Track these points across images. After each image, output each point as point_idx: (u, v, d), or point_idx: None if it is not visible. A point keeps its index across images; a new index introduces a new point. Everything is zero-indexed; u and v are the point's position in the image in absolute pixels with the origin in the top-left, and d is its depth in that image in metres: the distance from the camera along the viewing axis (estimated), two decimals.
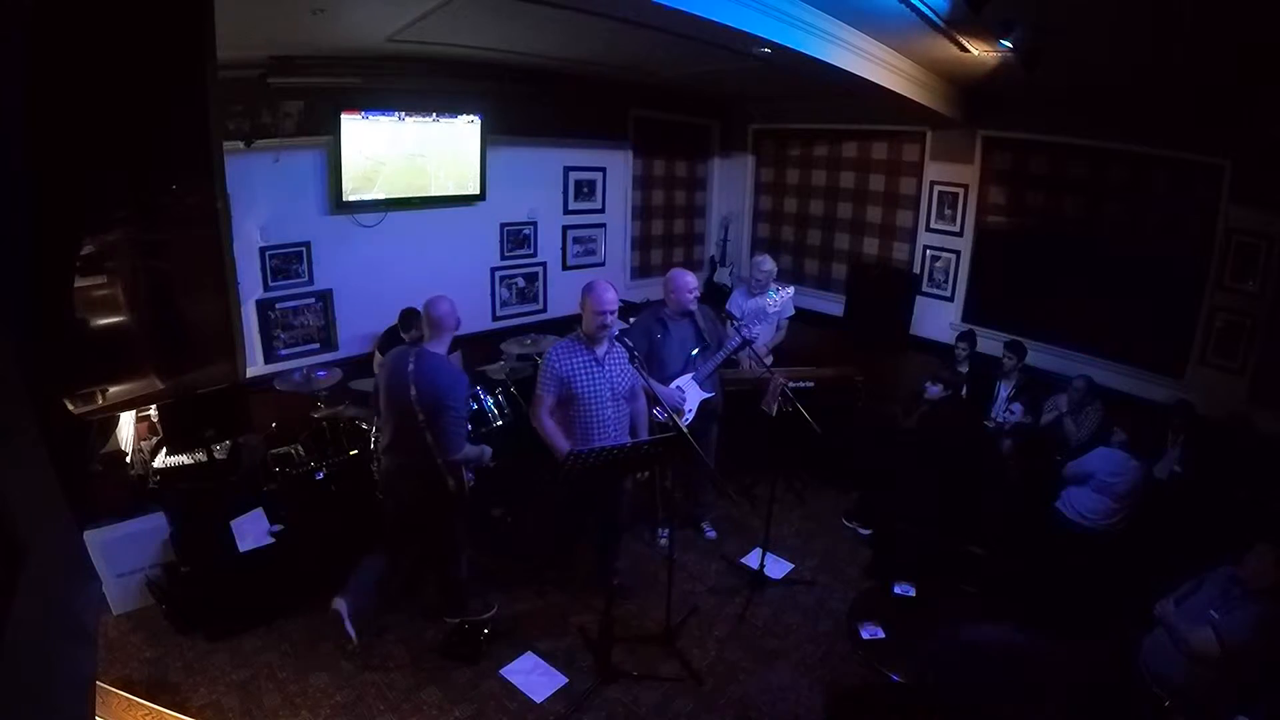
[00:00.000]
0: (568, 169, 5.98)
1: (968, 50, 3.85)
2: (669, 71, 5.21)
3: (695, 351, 4.01)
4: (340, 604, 3.17)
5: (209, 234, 1.20)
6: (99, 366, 1.13)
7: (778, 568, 4.16)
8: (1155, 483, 4.00)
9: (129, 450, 3.85)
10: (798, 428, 3.73)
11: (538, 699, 3.16)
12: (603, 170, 6.21)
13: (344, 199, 4.60)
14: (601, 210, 6.31)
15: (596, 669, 3.30)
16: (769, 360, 4.77)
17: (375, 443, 3.80)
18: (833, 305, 6.21)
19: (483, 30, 3.84)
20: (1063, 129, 4.96)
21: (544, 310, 6.05)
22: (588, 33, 3.72)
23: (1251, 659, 2.60)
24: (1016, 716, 3.13)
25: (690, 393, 3.98)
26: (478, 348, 5.29)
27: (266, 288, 4.55)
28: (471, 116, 4.99)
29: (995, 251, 5.56)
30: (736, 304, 4.99)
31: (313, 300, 4.74)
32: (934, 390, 4.42)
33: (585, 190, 6.16)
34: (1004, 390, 4.98)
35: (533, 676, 3.29)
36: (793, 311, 4.97)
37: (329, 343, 4.88)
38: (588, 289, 3.32)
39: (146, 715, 2.78)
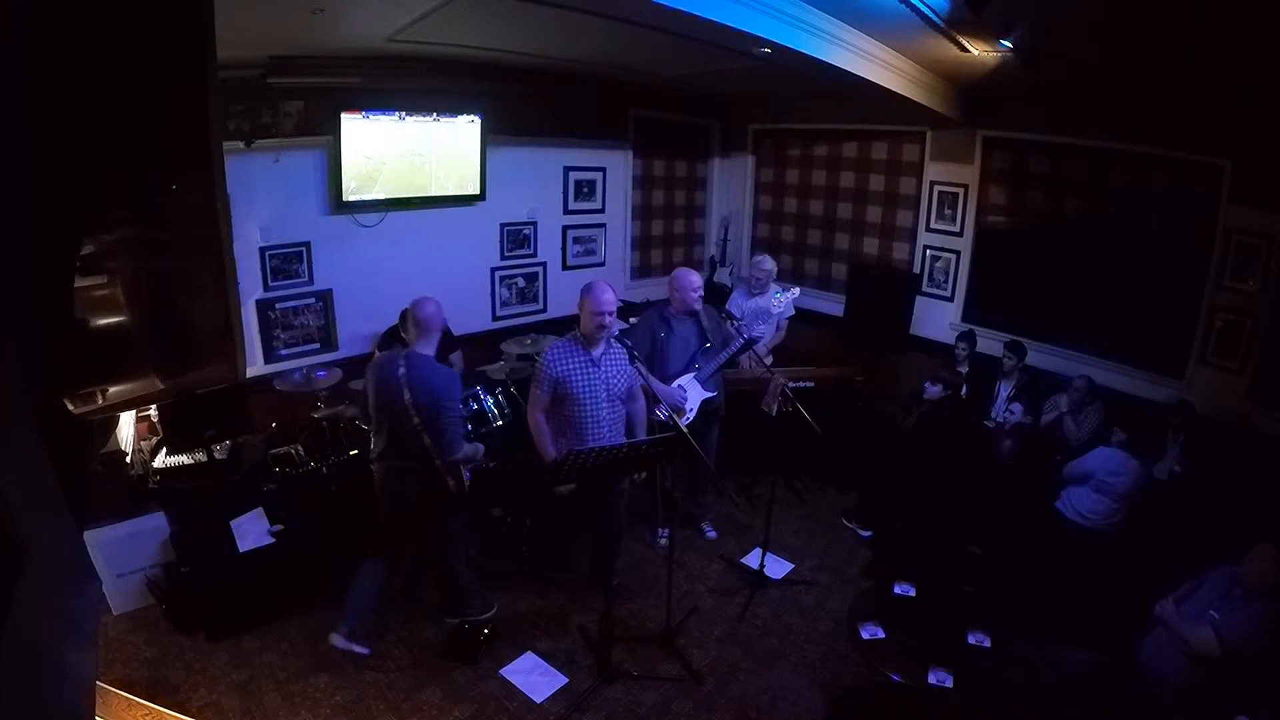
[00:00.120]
0: (568, 169, 5.98)
1: (968, 50, 3.85)
2: (669, 71, 5.21)
3: (698, 350, 4.02)
4: (337, 639, 3.18)
5: (209, 234, 1.20)
6: (99, 366, 1.13)
7: (778, 568, 4.16)
8: (1155, 482, 4.00)
9: (129, 450, 3.84)
10: (798, 428, 3.73)
11: (538, 699, 3.16)
12: (603, 170, 6.21)
13: (344, 199, 4.60)
14: (601, 210, 6.31)
15: (596, 669, 3.30)
16: (769, 360, 4.77)
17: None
18: (833, 305, 6.21)
19: (483, 30, 3.84)
20: (1063, 129, 4.96)
21: (544, 310, 6.05)
22: (588, 33, 3.72)
23: (1251, 659, 2.60)
24: (1017, 716, 3.14)
25: (692, 392, 3.98)
26: (478, 348, 5.29)
27: (266, 288, 4.55)
28: (472, 116, 4.99)
29: (995, 251, 5.56)
30: (736, 304, 4.99)
31: (313, 300, 4.74)
32: (934, 390, 4.42)
33: (585, 190, 6.16)
34: (1004, 390, 4.98)
35: (533, 676, 3.29)
36: (793, 311, 4.98)
37: (329, 343, 4.88)
38: (586, 290, 3.32)
39: (146, 715, 2.78)
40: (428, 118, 4.80)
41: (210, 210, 1.19)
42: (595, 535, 3.77)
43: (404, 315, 4.51)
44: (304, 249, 4.64)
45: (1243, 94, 3.83)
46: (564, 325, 5.38)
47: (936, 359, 5.29)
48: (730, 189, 7.24)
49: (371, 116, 4.56)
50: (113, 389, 1.15)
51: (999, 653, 2.83)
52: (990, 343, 5.23)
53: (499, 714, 3.09)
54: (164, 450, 3.74)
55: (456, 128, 4.97)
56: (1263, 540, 2.71)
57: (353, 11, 3.38)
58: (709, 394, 4.01)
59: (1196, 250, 4.50)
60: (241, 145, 4.13)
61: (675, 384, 3.96)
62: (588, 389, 3.30)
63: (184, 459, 3.72)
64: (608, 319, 3.26)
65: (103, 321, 1.12)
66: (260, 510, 3.66)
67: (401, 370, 3.02)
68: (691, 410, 3.97)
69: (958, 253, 5.71)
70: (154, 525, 3.60)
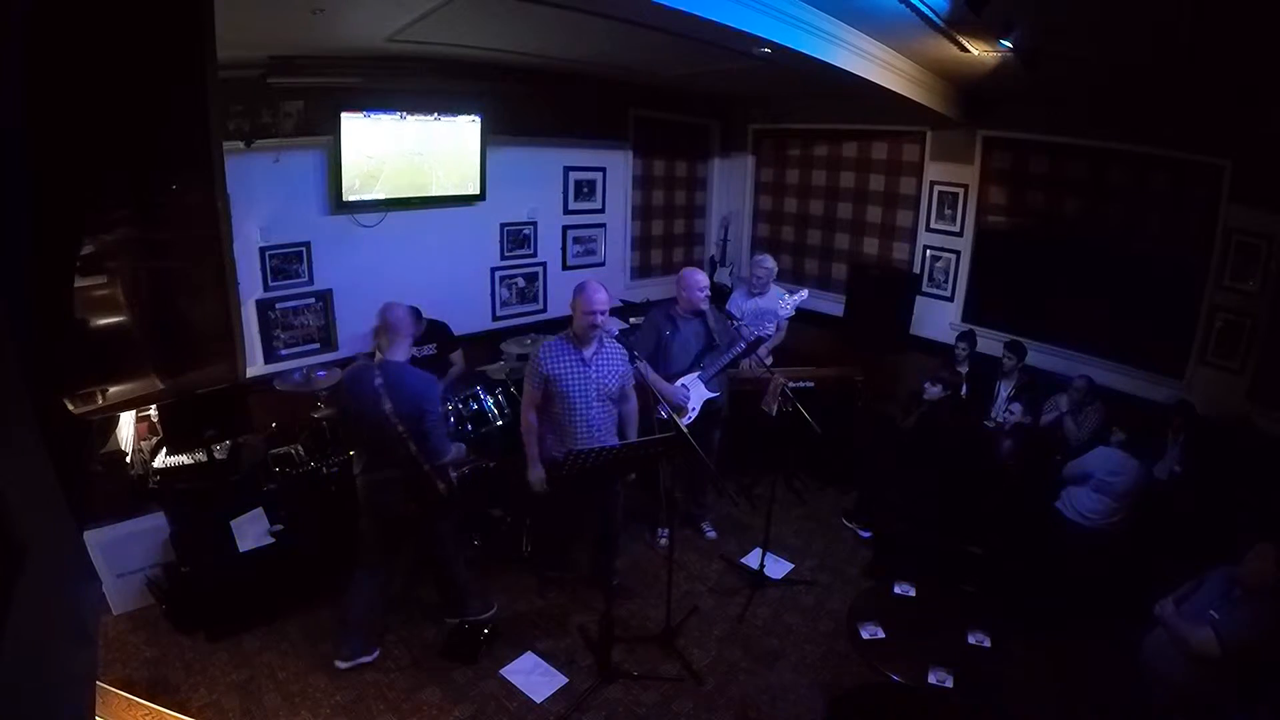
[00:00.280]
0: (568, 169, 5.98)
1: (968, 50, 3.85)
2: (669, 71, 5.21)
3: (703, 350, 4.02)
4: (341, 664, 3.20)
5: (209, 234, 1.20)
6: (99, 366, 1.13)
7: (778, 568, 4.16)
8: (1155, 482, 4.00)
9: (129, 450, 3.84)
10: (798, 428, 3.73)
11: (538, 699, 3.17)
12: (603, 170, 6.21)
13: (344, 199, 4.60)
14: (601, 210, 6.31)
15: (596, 669, 3.30)
16: (769, 360, 4.77)
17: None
18: (833, 305, 6.20)
19: (483, 30, 3.83)
20: (1063, 129, 4.96)
21: (544, 310, 6.04)
22: (588, 33, 3.72)
23: (1251, 659, 2.60)
24: (1017, 716, 3.14)
25: (695, 392, 3.98)
26: (478, 348, 5.29)
27: (266, 288, 4.55)
28: (472, 116, 4.99)
29: (995, 251, 5.55)
30: (736, 304, 4.99)
31: (313, 300, 4.74)
32: (934, 390, 4.42)
33: (585, 190, 6.15)
34: (1004, 390, 4.98)
35: (533, 676, 3.29)
36: (793, 312, 4.98)
37: (329, 343, 4.88)
38: (579, 289, 3.34)
39: (146, 715, 2.78)
40: (429, 117, 4.80)
41: (210, 210, 1.19)
42: (593, 535, 3.78)
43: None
44: (304, 249, 4.63)
45: (1243, 94, 3.83)
46: (564, 325, 5.34)
47: (936, 359, 5.30)
48: (730, 189, 7.23)
49: (373, 116, 4.56)
50: (113, 389, 1.15)
51: (999, 653, 2.83)
52: (990, 343, 5.23)
53: (499, 714, 3.09)
54: (164, 450, 3.74)
55: (457, 127, 4.96)
56: (1263, 540, 2.71)
57: (353, 11, 3.38)
58: (712, 394, 4.02)
59: (1196, 250, 4.50)
60: (241, 145, 4.12)
61: (678, 383, 3.97)
62: (577, 388, 3.31)
63: (184, 459, 3.72)
64: (599, 318, 3.27)
65: (103, 321, 1.11)
66: (260, 510, 3.65)
67: (378, 380, 2.97)
68: (694, 410, 3.97)
69: (958, 253, 5.71)
70: (154, 525, 3.60)
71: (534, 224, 5.83)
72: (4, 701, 0.78)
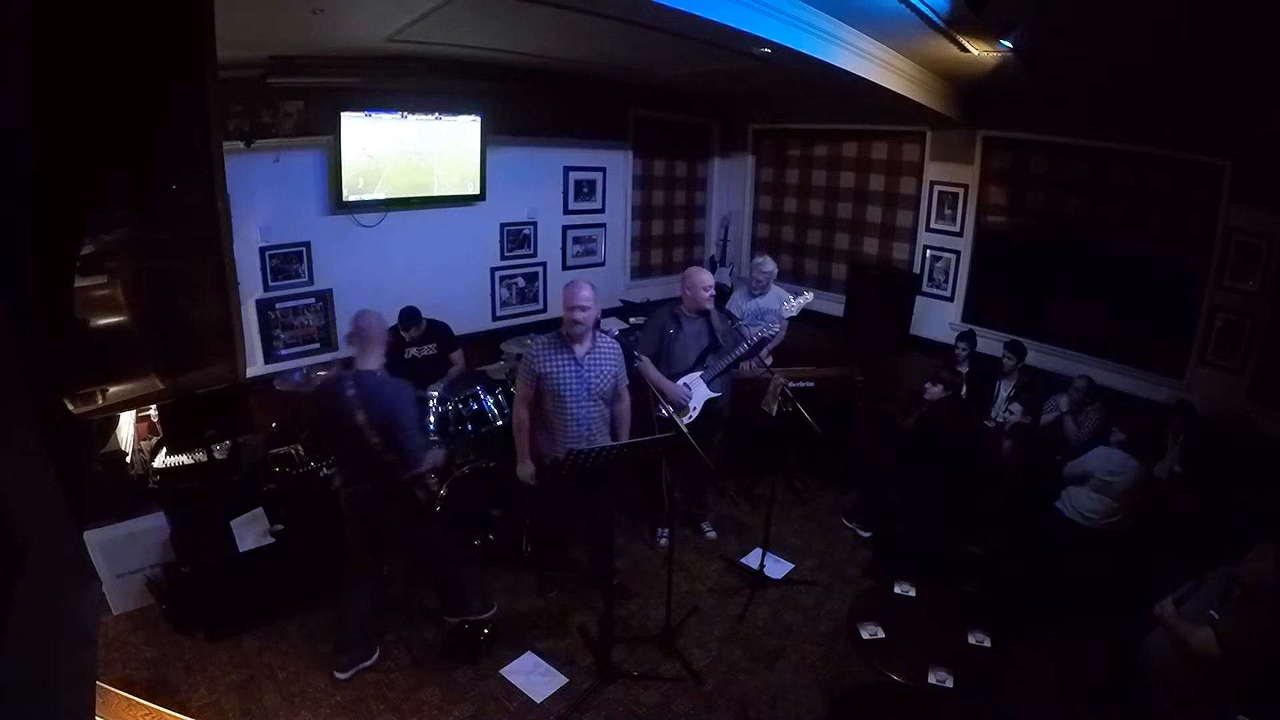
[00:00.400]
0: (568, 169, 5.98)
1: (968, 50, 3.85)
2: (669, 71, 5.21)
3: (707, 350, 4.02)
4: (340, 675, 3.19)
5: (209, 234, 1.20)
6: (99, 366, 1.13)
7: (778, 568, 4.16)
8: (1155, 482, 4.00)
9: (129, 450, 3.84)
10: (798, 428, 3.73)
11: (538, 699, 3.17)
12: (603, 170, 6.21)
13: (344, 199, 4.60)
14: (601, 210, 6.31)
15: (596, 669, 3.30)
16: (769, 360, 4.77)
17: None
18: (833, 305, 6.21)
19: (483, 30, 3.83)
20: (1063, 129, 4.96)
21: (544, 310, 6.05)
22: (588, 33, 3.72)
23: (1251, 659, 2.60)
24: (1017, 716, 3.14)
25: (697, 391, 3.98)
26: (478, 348, 5.29)
27: (266, 288, 4.55)
28: (472, 116, 4.99)
29: (995, 251, 5.55)
30: (736, 304, 4.99)
31: (313, 300, 4.74)
32: (935, 390, 4.42)
33: (585, 190, 6.15)
34: (1004, 390, 4.98)
35: (533, 676, 3.29)
36: (798, 313, 4.97)
37: (329, 343, 4.88)
38: (565, 287, 3.37)
39: (146, 715, 2.77)
40: (430, 116, 4.80)
41: (210, 210, 1.19)
42: (586, 534, 3.80)
43: (404, 315, 4.53)
44: (304, 249, 4.64)
45: (1243, 94, 3.83)
46: None
47: (936, 359, 5.30)
48: (730, 189, 7.23)
49: (374, 115, 4.56)
50: (113, 389, 1.15)
51: (999, 653, 2.82)
52: (990, 343, 5.23)
53: (499, 714, 3.09)
54: (164, 450, 3.74)
55: (458, 126, 4.97)
56: (1263, 540, 2.71)
57: (352, 11, 3.38)
58: (714, 394, 4.01)
59: (1196, 250, 4.50)
60: (241, 145, 4.13)
61: (680, 382, 3.97)
62: (567, 386, 3.32)
63: (184, 459, 3.72)
64: (579, 314, 3.27)
65: (103, 321, 1.11)
66: (260, 510, 3.65)
67: (351, 391, 2.94)
68: (695, 409, 3.97)
69: (958, 253, 5.71)
70: (154, 525, 3.60)
71: (534, 224, 5.83)
72: (4, 701, 0.78)
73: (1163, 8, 2.83)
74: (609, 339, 3.48)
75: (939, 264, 5.83)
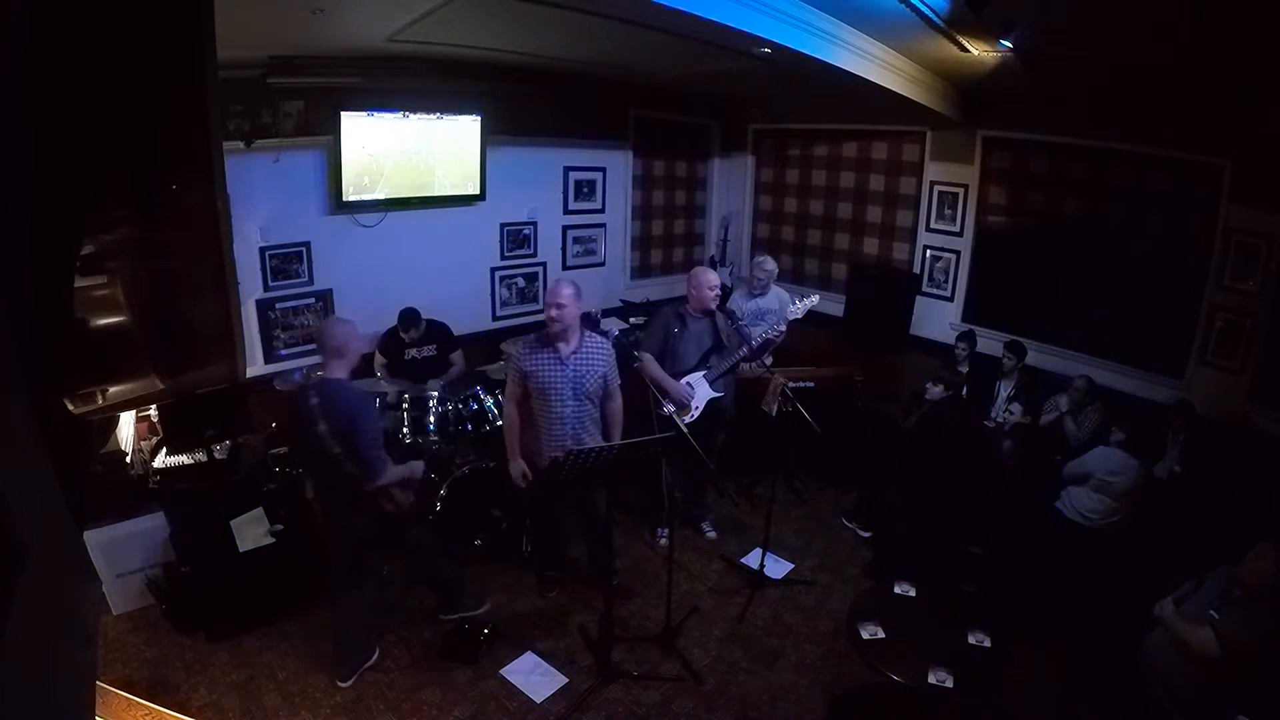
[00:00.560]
0: (568, 169, 5.98)
1: (968, 50, 3.85)
2: (669, 71, 5.21)
3: (711, 349, 4.02)
4: (343, 683, 3.18)
5: (209, 234, 1.20)
6: (99, 366, 1.13)
7: (778, 568, 4.16)
8: (1155, 482, 4.00)
9: (129, 450, 3.85)
10: (798, 428, 3.73)
11: (538, 699, 3.17)
12: (603, 170, 6.21)
13: (344, 199, 4.60)
14: (601, 210, 6.31)
15: (596, 669, 3.30)
16: (769, 360, 4.77)
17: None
18: (833, 305, 6.20)
19: (483, 30, 3.83)
20: (1063, 129, 4.96)
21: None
22: (588, 33, 3.72)
23: (1251, 659, 2.60)
24: (1017, 716, 3.14)
25: (699, 390, 3.98)
26: (478, 348, 5.29)
27: (266, 288, 4.55)
28: (472, 116, 4.99)
29: (995, 251, 5.56)
30: (736, 304, 4.98)
31: (313, 300, 4.74)
32: (936, 390, 4.42)
33: (585, 190, 6.15)
34: (1004, 390, 4.98)
35: (533, 676, 3.29)
36: (802, 315, 4.97)
37: None
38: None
39: (146, 715, 2.77)
40: (431, 116, 4.80)
41: (210, 210, 1.18)
42: (584, 533, 3.80)
43: (404, 315, 4.53)
44: (304, 249, 4.63)
45: (1243, 94, 3.83)
46: None
47: (936, 359, 5.30)
48: (730, 189, 7.23)
49: (375, 115, 4.56)
50: (113, 389, 1.15)
51: (999, 653, 2.83)
52: (990, 343, 5.23)
53: (499, 714, 3.09)
54: (164, 450, 3.74)
55: (459, 126, 4.96)
56: (1263, 540, 2.71)
57: (352, 11, 3.38)
58: (717, 394, 4.01)
59: (1196, 250, 4.50)
60: (241, 145, 4.13)
61: (684, 381, 3.97)
62: (551, 384, 3.33)
63: (184, 459, 3.72)
64: (554, 311, 3.27)
65: (103, 321, 1.11)
66: (260, 510, 3.65)
67: (314, 400, 2.86)
68: (697, 408, 3.97)
69: (958, 253, 5.71)
70: (154, 525, 3.60)
71: (534, 224, 5.83)
72: (4, 701, 0.77)
73: (1163, 8, 2.83)
74: (598, 338, 3.48)
75: (939, 264, 5.83)
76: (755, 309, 4.84)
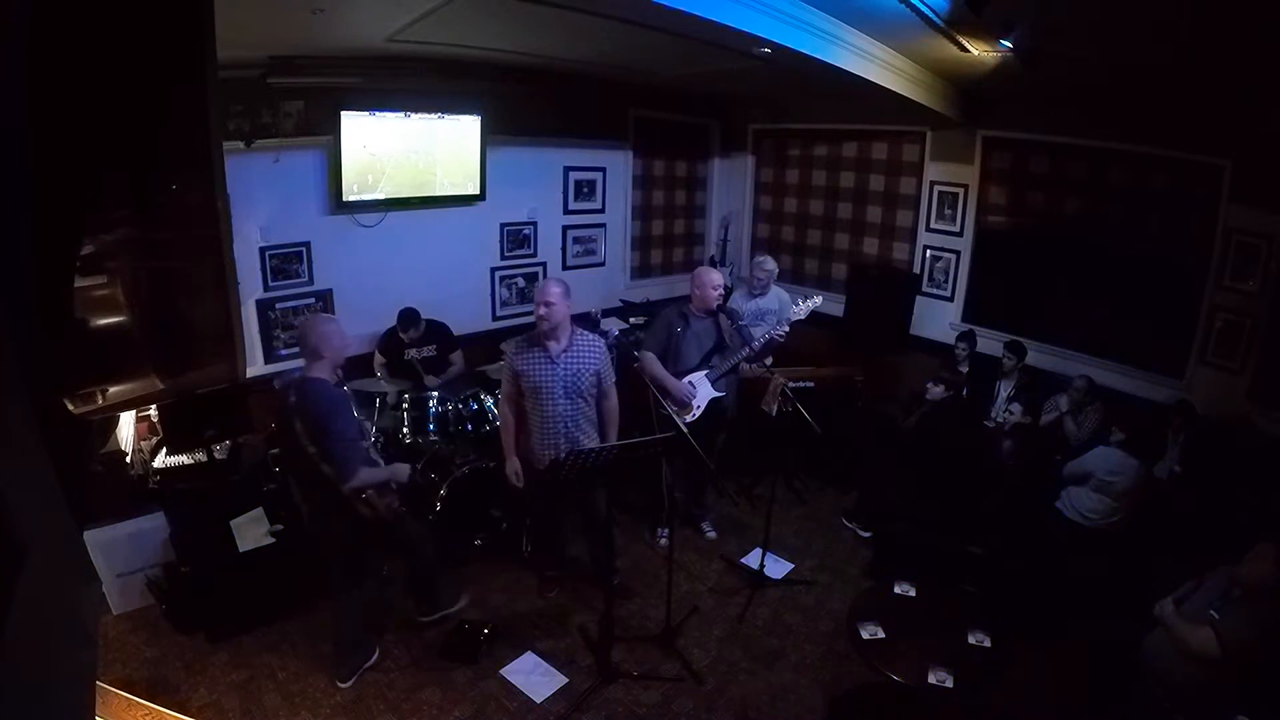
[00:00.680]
0: (568, 169, 5.98)
1: (968, 50, 3.85)
2: (669, 71, 5.21)
3: (714, 349, 4.02)
4: (344, 685, 3.17)
5: (209, 234, 1.20)
6: (99, 366, 1.13)
7: (778, 568, 4.16)
8: (1155, 482, 4.00)
9: (129, 450, 3.85)
10: (798, 428, 3.73)
11: (538, 699, 3.17)
12: (603, 170, 6.21)
13: (344, 199, 4.60)
14: (601, 210, 6.31)
15: (596, 669, 3.30)
16: (769, 360, 4.77)
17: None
18: (833, 305, 6.20)
19: (483, 30, 3.83)
20: (1063, 129, 4.96)
21: None
22: (588, 33, 3.72)
23: (1251, 659, 2.60)
24: (1017, 716, 3.14)
25: (701, 390, 3.98)
26: (478, 348, 5.29)
27: (266, 288, 4.55)
28: (472, 116, 4.99)
29: (995, 251, 5.56)
30: (737, 304, 4.98)
31: (313, 300, 4.74)
32: (936, 390, 4.42)
33: (585, 190, 6.15)
34: (1004, 390, 4.98)
35: (533, 676, 3.29)
36: (805, 316, 4.97)
37: None
38: None
39: (146, 715, 2.77)
40: (432, 115, 4.80)
41: (210, 210, 1.18)
42: (586, 534, 3.80)
43: (403, 315, 4.53)
44: (304, 249, 4.64)
45: (1243, 94, 3.83)
46: None
47: (937, 359, 5.30)
48: (730, 189, 7.24)
49: (377, 114, 4.56)
50: (113, 389, 1.15)
51: (999, 653, 2.83)
52: (990, 343, 5.23)
53: (499, 714, 3.09)
54: (164, 450, 3.74)
55: (460, 125, 4.96)
56: (1263, 540, 2.71)
57: (352, 11, 3.38)
58: (718, 394, 4.01)
59: (1196, 250, 4.50)
60: (241, 145, 4.13)
61: (686, 380, 3.97)
62: (543, 383, 3.33)
63: (184, 459, 3.72)
64: (542, 310, 3.26)
65: (103, 321, 1.11)
66: (260, 510, 3.66)
67: (292, 399, 2.83)
68: (698, 408, 3.97)
69: (958, 253, 5.71)
70: (154, 525, 3.60)
71: (534, 224, 5.83)
72: (4, 701, 0.78)
73: (1163, 8, 2.83)
74: (590, 336, 3.47)
75: (939, 264, 5.83)
76: (755, 309, 4.84)
